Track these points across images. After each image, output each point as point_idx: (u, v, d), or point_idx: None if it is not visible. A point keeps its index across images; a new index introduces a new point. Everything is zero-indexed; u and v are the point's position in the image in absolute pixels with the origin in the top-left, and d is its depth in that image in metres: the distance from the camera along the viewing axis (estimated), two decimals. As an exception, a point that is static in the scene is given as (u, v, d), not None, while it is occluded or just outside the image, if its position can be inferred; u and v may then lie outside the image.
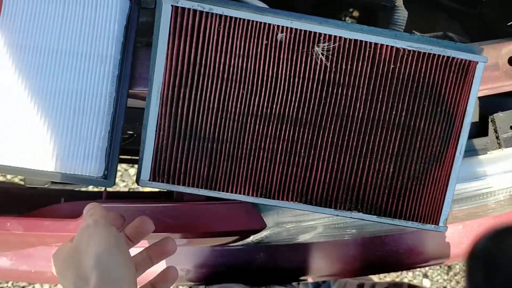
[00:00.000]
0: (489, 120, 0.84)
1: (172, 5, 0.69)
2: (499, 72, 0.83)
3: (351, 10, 1.69)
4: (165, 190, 0.90)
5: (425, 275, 2.08)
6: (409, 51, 0.72)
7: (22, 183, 1.89)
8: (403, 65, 0.73)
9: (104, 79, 0.72)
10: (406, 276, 2.06)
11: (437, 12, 1.20)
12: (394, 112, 0.74)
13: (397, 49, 0.72)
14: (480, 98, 0.86)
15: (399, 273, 2.02)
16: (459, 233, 1.15)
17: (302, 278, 1.31)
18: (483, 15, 1.19)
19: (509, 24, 1.09)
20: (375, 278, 1.88)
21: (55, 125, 0.72)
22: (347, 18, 1.83)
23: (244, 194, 0.77)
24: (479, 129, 0.86)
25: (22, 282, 2.02)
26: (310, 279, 1.38)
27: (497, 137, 0.84)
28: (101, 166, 0.74)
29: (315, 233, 1.05)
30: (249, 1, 0.97)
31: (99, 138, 0.73)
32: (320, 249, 1.26)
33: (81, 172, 0.74)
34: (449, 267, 2.09)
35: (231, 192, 0.76)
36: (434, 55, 0.72)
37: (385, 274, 1.96)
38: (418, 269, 2.04)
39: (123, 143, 1.18)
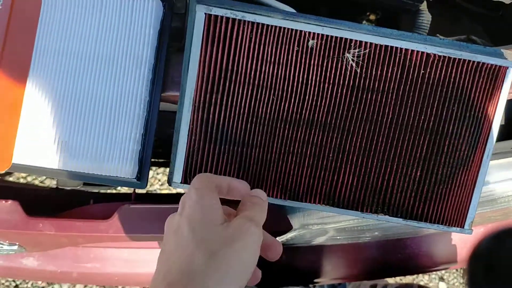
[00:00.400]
0: (516, 123, 0.85)
1: (205, 13, 0.71)
2: (526, 75, 0.83)
3: (367, 13, 1.69)
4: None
5: (441, 278, 2.08)
6: (439, 56, 0.73)
7: (47, 184, 1.92)
8: (433, 70, 0.73)
9: (139, 83, 0.73)
10: (422, 279, 2.06)
11: (459, 15, 1.20)
12: (422, 117, 0.75)
13: (428, 55, 0.73)
14: (508, 101, 0.86)
15: (415, 276, 2.02)
16: (478, 236, 1.15)
17: (318, 280, 1.32)
18: (506, 18, 1.19)
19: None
20: (391, 280, 1.88)
21: (91, 128, 0.74)
22: (364, 22, 1.83)
23: (272, 196, 0.78)
24: (505, 132, 0.86)
25: (41, 282, 2.05)
26: (327, 281, 1.39)
27: (523, 141, 0.84)
28: (135, 168, 0.76)
29: (338, 234, 1.06)
30: (278, 6, 0.98)
31: (133, 141, 0.75)
32: (341, 251, 1.27)
33: (115, 174, 0.76)
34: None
35: (260, 194, 0.77)
36: (464, 60, 0.73)
37: (402, 277, 1.97)
38: (435, 272, 2.04)
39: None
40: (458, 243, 1.17)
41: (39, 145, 0.75)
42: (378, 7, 1.43)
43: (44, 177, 2.03)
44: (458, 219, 0.79)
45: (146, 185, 0.78)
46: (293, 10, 0.98)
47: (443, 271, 2.03)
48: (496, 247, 0.48)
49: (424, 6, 1.00)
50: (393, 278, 1.88)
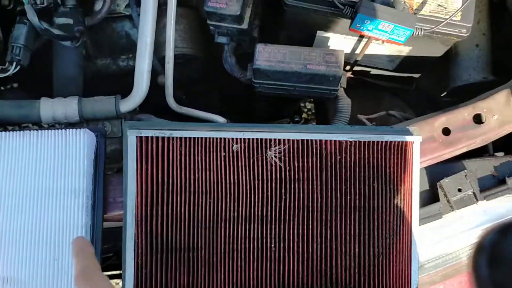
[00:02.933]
0: (438, 186, 0.92)
1: (136, 136, 0.78)
2: (436, 143, 0.92)
3: (304, 101, 1.85)
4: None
5: None
6: (351, 142, 0.81)
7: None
8: (348, 154, 0.81)
9: (79, 211, 0.78)
10: None
11: (379, 93, 1.33)
12: (348, 197, 0.81)
13: (340, 142, 0.81)
14: (426, 168, 0.95)
15: None
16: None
17: None
18: (421, 89, 1.32)
19: (442, 95, 1.22)
20: None
21: (38, 261, 0.77)
22: (306, 103, 1.97)
23: (225, 295, 0.81)
24: (431, 196, 0.94)
25: None
26: None
27: (448, 201, 0.91)
28: (86, 292, 0.78)
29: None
30: (208, 117, 1.07)
31: (81, 266, 0.78)
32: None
33: (67, 301, 0.77)
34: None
35: (213, 296, 0.80)
36: (373, 142, 0.82)
37: None
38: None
39: (108, 262, 1.21)
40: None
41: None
42: (306, 98, 1.56)
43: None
44: (403, 287, 0.84)
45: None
46: (223, 120, 1.07)
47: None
48: (500, 240, 0.50)
49: (341, 92, 1.11)
50: None
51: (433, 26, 0.93)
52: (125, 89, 1.26)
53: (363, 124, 1.11)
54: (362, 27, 0.90)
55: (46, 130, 0.80)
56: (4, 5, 1.13)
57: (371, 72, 1.24)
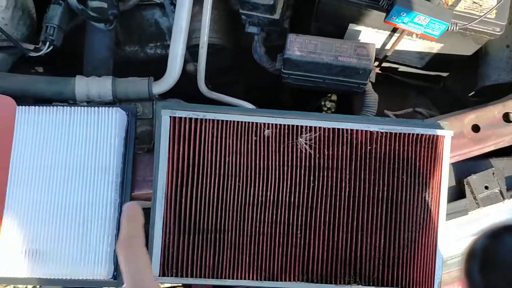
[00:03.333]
0: (465, 183, 0.92)
1: (170, 116, 0.79)
2: (465, 139, 0.92)
3: (329, 95, 1.83)
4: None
5: None
6: (381, 132, 0.81)
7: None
8: (378, 145, 0.82)
9: (108, 188, 0.79)
10: None
11: (406, 90, 1.33)
12: (376, 188, 0.82)
13: (371, 132, 0.81)
14: (454, 164, 0.95)
15: None
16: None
17: None
18: (448, 88, 1.31)
19: (470, 95, 1.22)
20: None
21: (66, 235, 0.78)
22: (327, 102, 1.98)
23: (248, 279, 0.81)
24: (458, 193, 0.93)
25: None
26: None
27: (474, 198, 0.91)
28: (110, 269, 0.79)
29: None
30: (238, 103, 1.08)
31: (107, 244, 0.79)
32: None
33: (92, 277, 0.79)
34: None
35: (237, 278, 0.80)
36: (404, 134, 0.82)
37: None
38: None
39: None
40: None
41: (16, 256, 0.78)
42: (332, 92, 1.56)
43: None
44: (426, 281, 0.83)
45: (123, 283, 0.81)
46: (252, 106, 1.08)
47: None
48: (491, 245, 0.50)
49: (369, 87, 1.11)
50: None
51: (468, 23, 0.93)
52: (153, 76, 1.27)
53: (389, 120, 1.11)
54: (397, 20, 0.90)
55: (79, 107, 0.82)
56: (40, -14, 1.15)
57: (399, 69, 1.23)
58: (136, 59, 1.42)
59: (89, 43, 1.16)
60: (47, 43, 1.08)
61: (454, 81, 1.28)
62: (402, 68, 1.23)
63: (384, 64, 1.22)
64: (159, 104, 0.82)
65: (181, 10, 0.93)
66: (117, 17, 1.12)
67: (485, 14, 0.90)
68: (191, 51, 1.21)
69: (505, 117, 0.94)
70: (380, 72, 1.24)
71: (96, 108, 0.82)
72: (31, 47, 1.09)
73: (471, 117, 0.93)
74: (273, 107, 1.80)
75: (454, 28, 0.91)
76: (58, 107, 0.82)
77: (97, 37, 1.14)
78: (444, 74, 1.23)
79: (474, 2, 0.94)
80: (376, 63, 1.22)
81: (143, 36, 1.40)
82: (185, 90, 1.12)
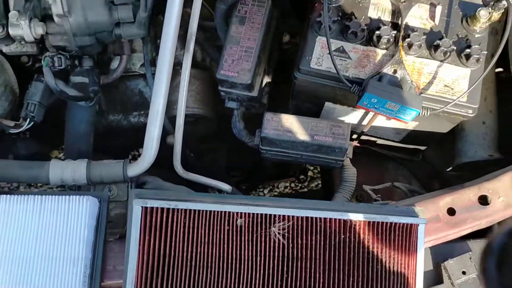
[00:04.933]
0: (442, 268, 0.91)
1: (141, 206, 0.78)
2: (441, 223, 0.92)
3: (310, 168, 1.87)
4: None
5: None
6: (355, 221, 0.81)
7: None
8: (352, 234, 0.81)
9: (76, 280, 0.77)
10: None
11: (385, 163, 1.34)
12: (351, 279, 0.80)
13: (345, 221, 0.81)
14: (430, 248, 0.94)
15: None
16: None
17: None
18: (427, 160, 1.32)
19: (448, 170, 1.23)
20: None
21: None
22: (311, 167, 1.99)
23: None
24: (435, 277, 0.92)
25: None
26: None
27: (452, 284, 0.90)
28: None
29: None
30: (215, 184, 1.08)
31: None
32: None
33: None
34: None
35: None
36: (378, 222, 0.81)
37: None
38: None
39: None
40: None
41: None
42: (312, 165, 1.58)
43: None
44: None
45: None
46: (228, 187, 1.08)
47: None
48: (509, 243, 0.50)
49: (347, 161, 1.12)
50: None
51: (440, 106, 0.95)
52: (135, 144, 1.26)
53: (368, 195, 1.11)
54: (369, 105, 0.92)
55: (49, 196, 0.81)
56: (23, 62, 1.17)
57: (378, 142, 1.25)
58: (119, 128, 1.43)
59: (69, 118, 1.17)
60: (28, 120, 1.09)
61: (433, 153, 1.29)
62: (380, 141, 1.24)
63: (363, 137, 1.23)
64: (132, 192, 0.81)
65: (157, 93, 0.95)
66: (97, 93, 1.14)
67: (455, 100, 0.93)
68: (173, 121, 1.22)
69: (481, 199, 0.94)
70: (358, 145, 1.25)
71: (66, 196, 0.81)
72: (12, 123, 1.10)
73: (446, 200, 0.94)
74: (255, 174, 1.81)
75: (426, 113, 0.93)
76: (29, 195, 0.81)
77: (78, 112, 1.15)
78: (422, 148, 1.24)
79: (445, 86, 0.96)
80: (355, 136, 1.23)
81: (127, 105, 1.42)
82: (167, 155, 1.11)
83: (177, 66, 1.18)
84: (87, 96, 1.09)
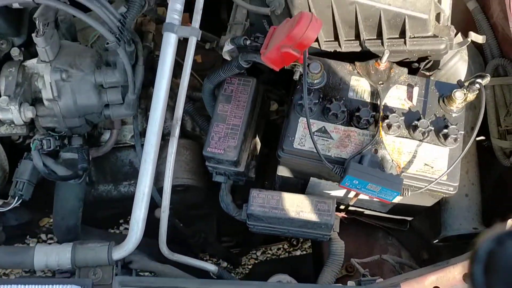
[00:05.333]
0: None
1: (123, 297, 0.78)
2: (428, 306, 0.91)
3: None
4: None
5: None
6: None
7: None
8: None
9: None
10: None
11: (374, 233, 1.34)
12: None
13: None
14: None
15: None
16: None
17: None
18: (415, 229, 1.33)
19: (435, 242, 1.23)
20: None
21: None
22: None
23: None
24: None
25: None
26: None
27: None
28: None
29: None
30: (200, 265, 1.08)
31: None
32: None
33: None
34: None
35: None
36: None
37: None
38: None
39: None
40: None
41: None
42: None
43: None
44: None
45: None
46: (214, 268, 1.08)
47: None
48: (496, 249, 0.49)
49: (335, 235, 1.12)
50: None
51: (420, 185, 0.96)
52: (125, 212, 1.26)
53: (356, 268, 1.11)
54: (351, 186, 0.93)
55: (32, 285, 0.81)
56: (14, 139, 1.19)
57: (365, 212, 1.26)
58: (109, 198, 1.44)
59: (57, 195, 1.18)
60: (16, 198, 1.10)
61: (421, 223, 1.30)
62: (368, 212, 1.25)
63: (350, 208, 1.24)
64: (116, 280, 0.81)
65: (142, 180, 0.96)
66: (86, 170, 1.15)
67: (433, 182, 0.95)
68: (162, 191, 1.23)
69: (466, 277, 0.94)
70: (346, 216, 1.26)
71: (50, 286, 0.81)
72: (0, 202, 1.11)
73: (431, 279, 0.93)
74: (244, 242, 1.80)
75: (407, 193, 0.95)
76: (12, 285, 0.81)
77: (66, 189, 1.16)
78: (409, 218, 1.25)
79: (425, 164, 0.98)
80: (342, 207, 1.24)
81: (117, 175, 1.43)
82: (155, 231, 1.11)
83: (166, 136, 1.20)
84: (75, 174, 1.11)
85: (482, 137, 1.30)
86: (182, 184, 1.36)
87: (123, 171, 1.43)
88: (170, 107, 1.10)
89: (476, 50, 1.16)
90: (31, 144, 1.04)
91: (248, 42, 1.03)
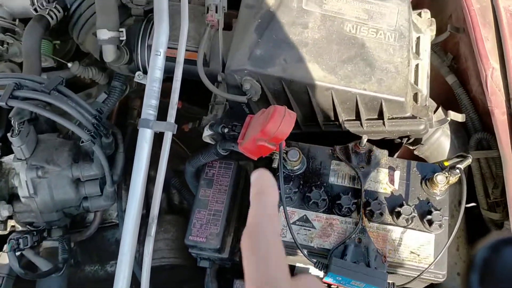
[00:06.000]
0: None
1: None
2: None
3: None
4: None
5: None
6: None
7: None
8: None
9: None
10: None
11: None
12: None
13: None
14: None
15: None
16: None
17: None
18: None
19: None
20: None
21: None
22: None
23: None
24: None
25: None
26: None
27: None
28: None
29: None
30: None
31: None
32: None
33: None
34: None
35: None
36: None
37: None
38: None
39: None
40: None
41: None
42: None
43: None
44: None
45: None
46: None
47: None
48: (492, 257, 0.47)
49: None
50: None
51: (407, 274, 0.93)
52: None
53: None
54: (335, 281, 0.90)
55: None
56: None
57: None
58: (95, 278, 1.41)
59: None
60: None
61: None
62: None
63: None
64: None
65: (119, 278, 0.93)
66: (67, 261, 1.13)
67: (419, 275, 0.91)
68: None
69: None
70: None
71: None
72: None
73: None
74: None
75: (392, 287, 0.92)
76: None
77: (47, 284, 1.13)
78: None
79: (411, 252, 0.95)
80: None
81: (104, 255, 1.40)
82: None
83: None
84: (55, 268, 1.08)
85: (472, 204, 1.27)
86: (169, 263, 1.33)
87: (109, 250, 1.40)
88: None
89: (458, 124, 1.15)
90: (6, 244, 1.02)
91: (226, 130, 1.02)
